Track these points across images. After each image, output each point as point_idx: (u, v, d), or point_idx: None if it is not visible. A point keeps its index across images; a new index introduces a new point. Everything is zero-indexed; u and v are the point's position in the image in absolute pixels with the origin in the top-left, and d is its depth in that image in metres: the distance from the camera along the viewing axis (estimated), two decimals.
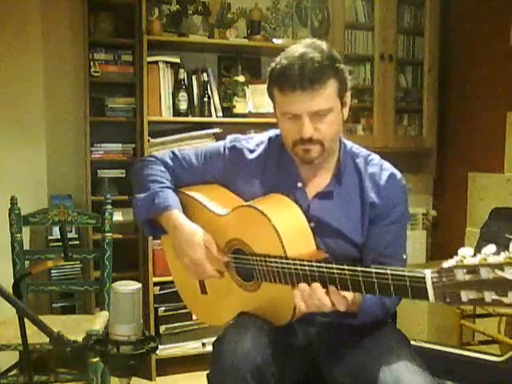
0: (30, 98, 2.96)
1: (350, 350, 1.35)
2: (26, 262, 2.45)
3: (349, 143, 1.51)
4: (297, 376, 1.42)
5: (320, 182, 1.45)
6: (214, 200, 1.50)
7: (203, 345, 2.99)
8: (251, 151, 1.51)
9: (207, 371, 1.30)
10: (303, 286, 1.23)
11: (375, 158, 1.48)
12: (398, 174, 1.45)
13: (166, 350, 2.94)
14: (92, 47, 2.93)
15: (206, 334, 2.93)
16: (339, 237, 1.40)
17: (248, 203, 1.41)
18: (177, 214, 1.44)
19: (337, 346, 1.39)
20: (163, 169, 1.54)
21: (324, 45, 1.36)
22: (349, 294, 1.23)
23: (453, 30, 3.51)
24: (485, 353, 1.89)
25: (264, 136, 1.55)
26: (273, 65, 1.38)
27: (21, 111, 2.93)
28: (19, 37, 2.90)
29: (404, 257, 1.43)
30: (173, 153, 1.58)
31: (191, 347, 2.98)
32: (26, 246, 2.57)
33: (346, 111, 1.41)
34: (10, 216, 2.38)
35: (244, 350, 1.23)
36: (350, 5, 3.32)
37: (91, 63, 2.93)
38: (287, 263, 1.26)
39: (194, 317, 2.70)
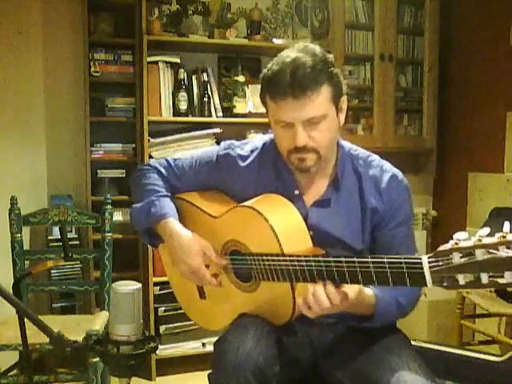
0: (30, 98, 2.96)
1: (350, 350, 1.35)
2: (26, 262, 2.45)
3: (347, 145, 1.47)
4: (298, 376, 1.42)
5: (318, 188, 1.42)
6: (210, 203, 1.49)
7: (203, 345, 2.98)
8: (244, 158, 1.48)
9: (207, 371, 1.30)
10: (307, 291, 1.20)
11: (375, 158, 1.45)
12: (400, 175, 1.42)
13: (166, 350, 2.93)
14: (92, 47, 2.93)
15: (206, 334, 2.92)
16: (339, 245, 1.38)
17: (243, 203, 1.40)
18: (172, 222, 1.43)
19: (337, 346, 1.39)
20: (158, 177, 1.53)
21: (317, 49, 1.32)
22: (352, 293, 1.20)
23: (453, 30, 3.50)
24: (485, 353, 1.89)
25: (258, 141, 1.52)
26: (264, 71, 1.34)
27: (21, 111, 2.93)
28: (19, 37, 2.90)
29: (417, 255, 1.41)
30: (167, 161, 1.56)
31: (191, 347, 2.98)
32: (26, 246, 2.57)
33: (342, 117, 1.37)
34: (9, 216, 2.38)
35: (246, 351, 1.23)
36: (350, 5, 3.32)
37: (91, 63, 2.93)
38: (284, 260, 1.25)
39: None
